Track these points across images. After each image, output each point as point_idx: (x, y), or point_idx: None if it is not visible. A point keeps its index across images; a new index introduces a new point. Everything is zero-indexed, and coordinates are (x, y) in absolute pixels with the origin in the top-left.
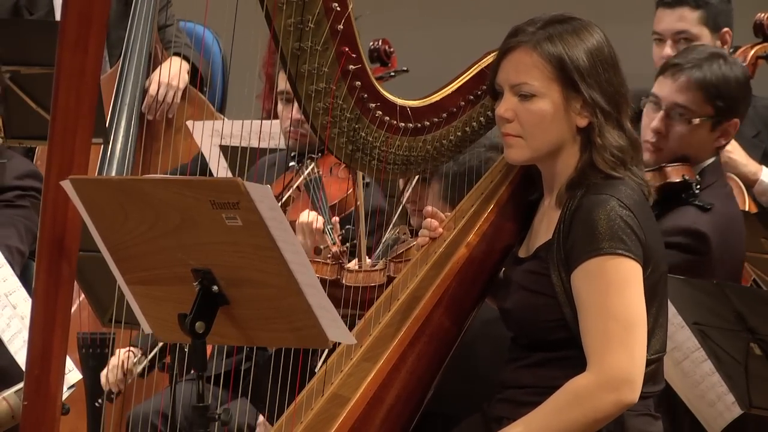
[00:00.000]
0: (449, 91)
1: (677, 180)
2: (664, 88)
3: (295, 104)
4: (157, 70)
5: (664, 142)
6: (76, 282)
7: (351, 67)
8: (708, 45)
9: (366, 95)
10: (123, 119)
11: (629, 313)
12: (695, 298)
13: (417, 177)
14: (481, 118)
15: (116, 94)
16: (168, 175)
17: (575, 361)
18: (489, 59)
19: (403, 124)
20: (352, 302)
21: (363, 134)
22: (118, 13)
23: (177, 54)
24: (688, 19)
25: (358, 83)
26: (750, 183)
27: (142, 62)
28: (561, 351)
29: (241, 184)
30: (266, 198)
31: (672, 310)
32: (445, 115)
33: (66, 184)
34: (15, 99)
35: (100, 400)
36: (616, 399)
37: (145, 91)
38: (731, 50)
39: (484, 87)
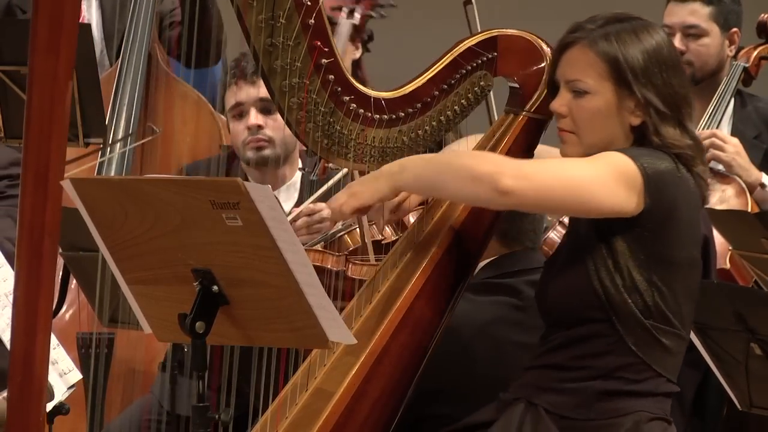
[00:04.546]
0: (422, 81)
1: None
2: None
3: (252, 111)
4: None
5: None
6: (76, 282)
7: (324, 61)
8: None
9: (340, 88)
10: (122, 119)
11: (588, 181)
12: None
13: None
14: (456, 107)
15: (115, 94)
16: (168, 175)
17: (605, 339)
18: (461, 48)
19: (377, 116)
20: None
21: (338, 127)
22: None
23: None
24: (699, 14)
25: (331, 77)
26: (750, 189)
27: (141, 61)
28: (593, 326)
29: (242, 184)
30: (266, 198)
31: None
32: (419, 105)
33: (66, 184)
34: (15, 99)
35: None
36: (500, 182)
37: (145, 90)
38: (736, 51)
39: (458, 76)
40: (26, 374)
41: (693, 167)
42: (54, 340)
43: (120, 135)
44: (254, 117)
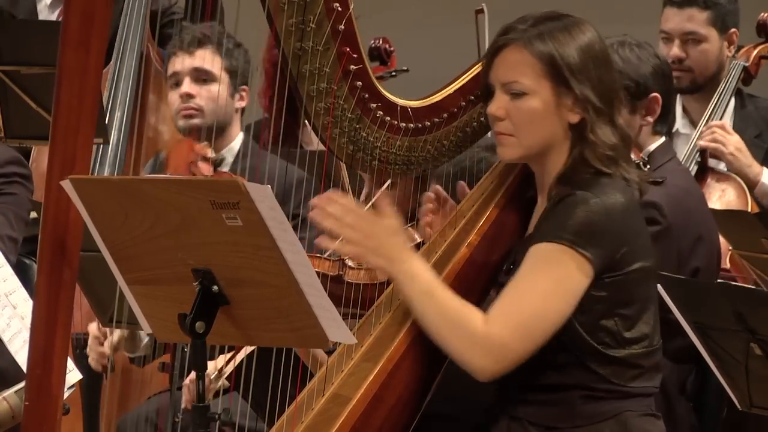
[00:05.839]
0: (450, 92)
1: None
2: None
3: (186, 80)
4: None
5: None
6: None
7: (352, 67)
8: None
9: (367, 95)
10: (115, 119)
11: (550, 304)
12: (695, 298)
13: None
14: (482, 119)
15: (109, 94)
16: (168, 175)
17: (568, 366)
18: None
19: (404, 125)
20: (353, 300)
21: (364, 134)
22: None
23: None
24: (696, 20)
25: (359, 83)
26: (751, 185)
27: (134, 62)
28: (551, 355)
29: (242, 184)
30: (266, 198)
31: (672, 309)
32: (445, 115)
33: (66, 184)
34: (15, 99)
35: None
36: (484, 363)
37: (138, 90)
38: (735, 50)
39: None
40: (46, 368)
41: (617, 168)
42: None
43: (113, 134)
44: (186, 85)
